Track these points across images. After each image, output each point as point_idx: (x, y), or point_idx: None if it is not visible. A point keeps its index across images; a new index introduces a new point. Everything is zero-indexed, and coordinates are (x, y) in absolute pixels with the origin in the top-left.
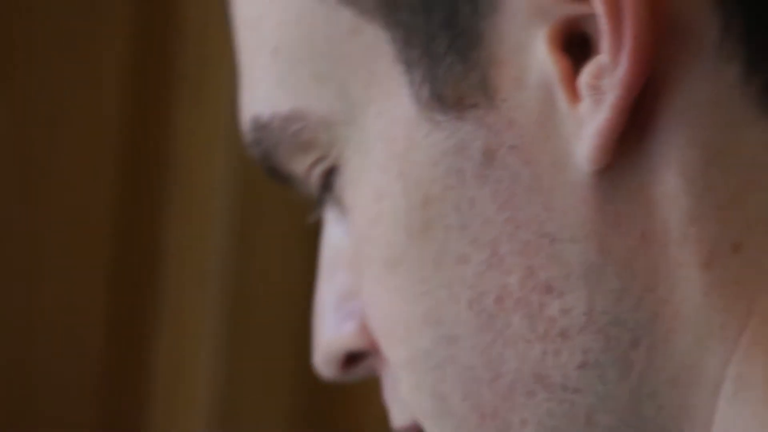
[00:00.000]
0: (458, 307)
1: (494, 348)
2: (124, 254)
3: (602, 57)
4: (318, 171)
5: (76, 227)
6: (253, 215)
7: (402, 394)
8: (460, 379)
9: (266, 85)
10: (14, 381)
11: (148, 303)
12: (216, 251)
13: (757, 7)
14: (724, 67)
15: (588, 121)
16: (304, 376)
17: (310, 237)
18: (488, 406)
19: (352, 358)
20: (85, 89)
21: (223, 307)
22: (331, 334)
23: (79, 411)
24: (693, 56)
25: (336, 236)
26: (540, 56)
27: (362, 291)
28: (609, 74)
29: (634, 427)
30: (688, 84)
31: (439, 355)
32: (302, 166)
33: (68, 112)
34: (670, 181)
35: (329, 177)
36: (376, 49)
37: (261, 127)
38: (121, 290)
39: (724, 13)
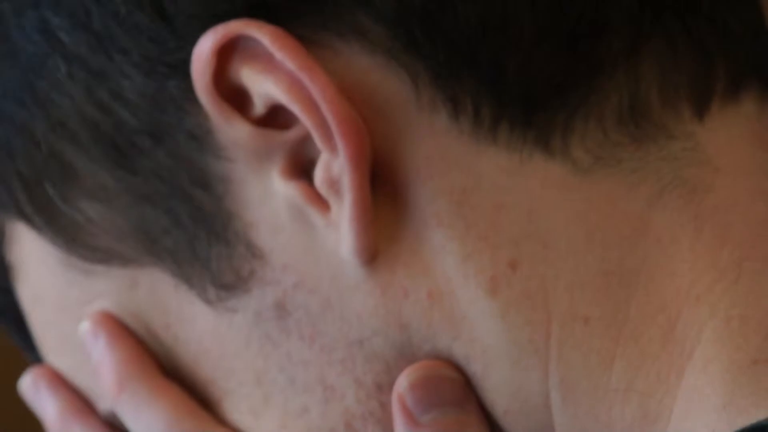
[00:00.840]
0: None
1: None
2: None
3: (323, 155)
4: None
5: None
6: None
7: None
8: None
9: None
10: None
11: None
12: None
13: (435, 56)
14: (433, 117)
15: (341, 218)
16: None
17: None
18: None
19: None
20: None
21: None
22: None
23: None
24: (401, 121)
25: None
26: (281, 195)
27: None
28: (335, 164)
29: None
30: (408, 147)
31: None
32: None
33: None
34: (433, 236)
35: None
36: (161, 286)
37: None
38: None
39: (409, 73)
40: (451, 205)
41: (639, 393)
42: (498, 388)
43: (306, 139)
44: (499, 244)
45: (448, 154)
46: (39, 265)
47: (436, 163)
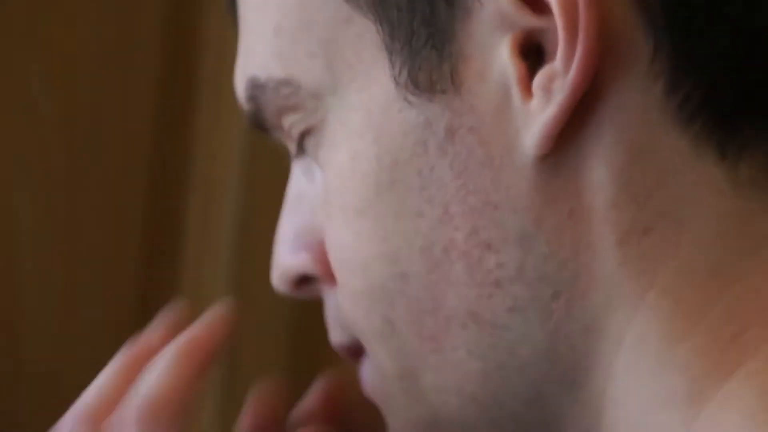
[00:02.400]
0: (411, 251)
1: (438, 287)
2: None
3: (556, 64)
4: (297, 130)
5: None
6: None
7: (347, 316)
8: (407, 309)
9: (265, 55)
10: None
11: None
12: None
13: (682, 37)
14: (652, 82)
15: (537, 115)
16: None
17: None
18: (428, 332)
19: (303, 280)
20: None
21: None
22: (288, 259)
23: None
24: (627, 71)
25: (301, 184)
26: (502, 58)
27: (328, 231)
28: (560, 79)
29: (549, 361)
30: (621, 93)
31: (392, 288)
32: (286, 124)
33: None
34: (598, 171)
35: (305, 136)
36: (364, 37)
37: (257, 86)
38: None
39: (656, 39)
40: (625, 157)
41: (694, 372)
42: (587, 309)
43: (549, 33)
44: (645, 208)
45: (644, 117)
46: None
47: (633, 119)
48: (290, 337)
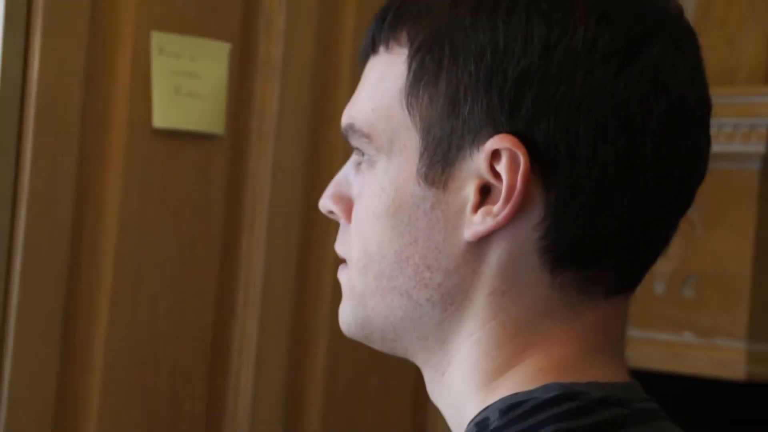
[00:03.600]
0: (390, 247)
1: (395, 269)
2: None
3: (495, 208)
4: (360, 151)
5: None
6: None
7: (349, 245)
8: (376, 266)
9: (365, 113)
10: None
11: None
12: None
13: (563, 219)
14: (533, 230)
15: (474, 224)
16: None
17: None
18: (382, 283)
19: (331, 213)
20: None
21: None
22: (329, 201)
23: None
24: (525, 223)
25: (350, 168)
26: (470, 187)
27: (355, 206)
28: (492, 215)
29: (435, 324)
30: (518, 227)
31: (373, 253)
32: (357, 145)
33: None
34: (490, 260)
35: (363, 156)
36: (412, 140)
37: (351, 125)
38: None
39: (545, 214)
40: (506, 256)
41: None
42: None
43: (497, 190)
44: (504, 283)
45: (523, 243)
46: None
47: (516, 241)
48: None
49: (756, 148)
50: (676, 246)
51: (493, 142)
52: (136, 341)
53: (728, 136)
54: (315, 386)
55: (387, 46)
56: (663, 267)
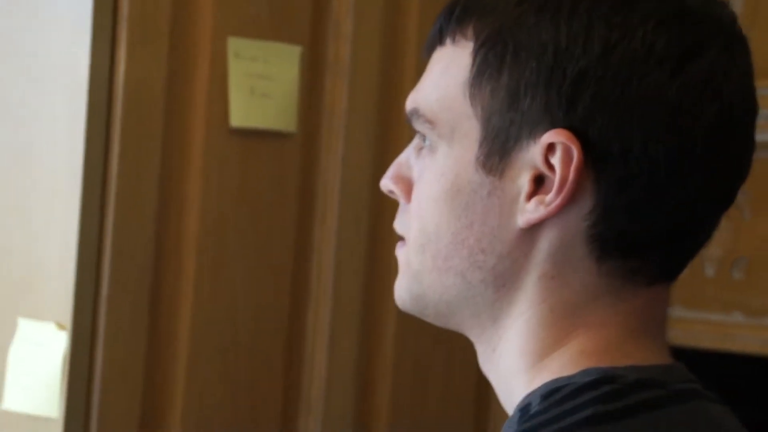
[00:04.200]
0: (447, 229)
1: (450, 250)
2: None
3: (548, 197)
4: (423, 135)
5: None
6: None
7: (408, 224)
8: (434, 246)
9: (428, 101)
10: None
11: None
12: None
13: (613, 213)
14: (582, 220)
15: (528, 212)
16: None
17: None
18: (438, 262)
19: (391, 192)
20: None
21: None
22: (389, 181)
23: None
24: (576, 213)
25: (412, 151)
26: (525, 177)
27: (415, 188)
28: (545, 204)
29: (486, 301)
30: (569, 216)
31: (431, 232)
32: (420, 129)
33: None
34: (542, 246)
35: (425, 140)
36: (473, 129)
37: (416, 110)
38: None
39: (596, 203)
40: (556, 242)
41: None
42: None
43: (550, 180)
44: (555, 267)
45: (574, 231)
46: None
47: (566, 229)
48: None
49: None
50: (725, 231)
51: (549, 136)
52: (218, 329)
53: None
54: (384, 367)
55: (453, 39)
56: (713, 251)
